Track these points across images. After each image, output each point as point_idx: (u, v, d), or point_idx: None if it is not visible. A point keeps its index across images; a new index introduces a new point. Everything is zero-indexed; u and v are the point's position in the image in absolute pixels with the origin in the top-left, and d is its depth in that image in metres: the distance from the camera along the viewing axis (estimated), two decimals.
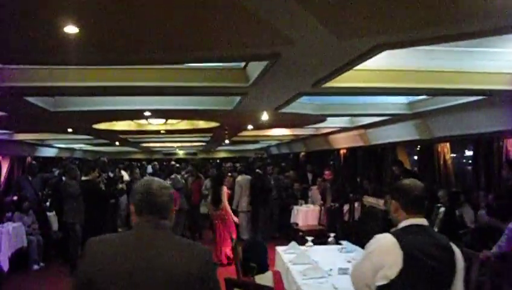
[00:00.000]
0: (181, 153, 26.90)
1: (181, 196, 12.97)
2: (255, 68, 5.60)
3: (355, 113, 9.57)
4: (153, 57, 4.71)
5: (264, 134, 14.53)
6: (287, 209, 13.90)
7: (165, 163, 24.04)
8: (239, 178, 13.48)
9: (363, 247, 3.41)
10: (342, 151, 16.48)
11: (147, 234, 2.41)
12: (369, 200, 11.72)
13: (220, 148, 24.88)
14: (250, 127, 11.81)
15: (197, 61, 5.56)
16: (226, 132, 13.31)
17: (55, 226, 11.43)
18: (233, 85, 6.24)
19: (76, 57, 4.51)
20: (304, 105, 8.09)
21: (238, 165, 16.63)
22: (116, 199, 11.86)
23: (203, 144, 20.25)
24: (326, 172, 12.76)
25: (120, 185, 10.76)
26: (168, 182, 12.18)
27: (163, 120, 11.23)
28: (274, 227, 14.25)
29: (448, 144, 11.35)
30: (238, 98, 7.37)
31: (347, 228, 11.52)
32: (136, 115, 9.59)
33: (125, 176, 14.24)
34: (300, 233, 12.64)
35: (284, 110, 8.00)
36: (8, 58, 4.71)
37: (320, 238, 12.55)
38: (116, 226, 11.69)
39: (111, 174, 12.20)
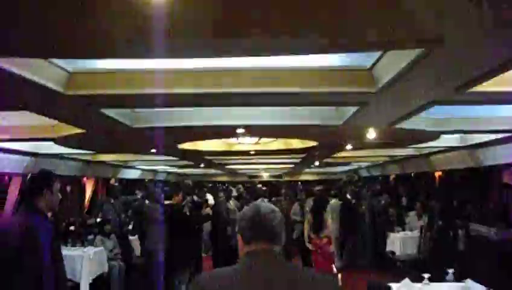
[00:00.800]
0: (265, 176, 26.13)
1: None
2: (388, 67, 4.42)
3: (478, 130, 7.96)
4: (261, 43, 3.57)
5: (357, 155, 13.44)
6: (381, 236, 12.87)
7: (249, 185, 23.48)
8: (331, 202, 12.60)
9: None
10: (437, 174, 15.27)
11: (264, 265, 2.18)
12: (478, 228, 10.50)
13: (306, 170, 23.99)
14: (348, 147, 10.67)
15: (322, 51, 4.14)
16: (318, 153, 12.37)
17: (137, 251, 10.96)
18: (354, 90, 4.99)
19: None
20: (419, 120, 6.77)
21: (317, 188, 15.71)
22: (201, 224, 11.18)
23: (292, 166, 19.34)
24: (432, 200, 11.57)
25: (206, 210, 9.96)
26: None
27: (256, 139, 10.33)
28: (367, 256, 13.27)
29: None
30: (352, 110, 6.13)
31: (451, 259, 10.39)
32: (228, 132, 8.41)
33: (210, 199, 13.67)
34: (398, 263, 11.61)
35: (398, 125, 6.90)
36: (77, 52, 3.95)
37: (420, 270, 11.51)
38: (200, 254, 11.04)
39: (195, 198, 11.61)
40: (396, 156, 13.81)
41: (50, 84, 4.40)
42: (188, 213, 9.22)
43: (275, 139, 10.46)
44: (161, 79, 4.72)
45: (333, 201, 12.84)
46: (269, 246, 2.23)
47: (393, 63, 4.25)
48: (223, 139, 10.62)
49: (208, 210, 9.76)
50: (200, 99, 5.32)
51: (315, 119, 6.75)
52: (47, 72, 4.33)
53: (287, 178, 26.36)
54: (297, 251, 12.06)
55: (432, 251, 10.77)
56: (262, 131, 8.62)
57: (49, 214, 4.32)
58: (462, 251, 10.81)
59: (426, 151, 11.89)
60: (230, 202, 12.42)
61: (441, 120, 7.00)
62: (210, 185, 21.84)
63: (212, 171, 22.82)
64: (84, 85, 4.62)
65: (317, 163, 16.68)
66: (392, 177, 19.78)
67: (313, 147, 10.39)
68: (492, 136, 8.42)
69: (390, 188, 18.82)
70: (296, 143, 10.52)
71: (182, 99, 5.43)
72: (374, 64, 4.67)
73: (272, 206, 2.39)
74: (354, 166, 20.73)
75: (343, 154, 12.54)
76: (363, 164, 19.35)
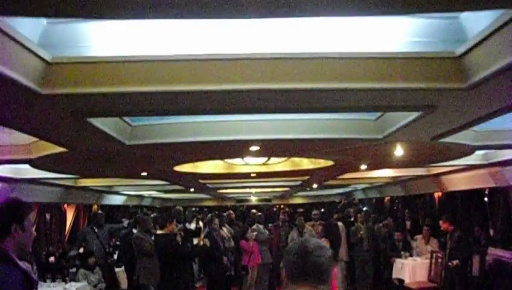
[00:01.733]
0: (254, 200, 25.00)
1: (265, 249, 11.87)
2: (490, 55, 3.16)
3: None
4: None
5: (363, 176, 12.44)
6: (386, 262, 12.00)
7: (242, 210, 22.50)
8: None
9: None
10: (436, 195, 14.46)
11: None
12: (496, 252, 9.65)
13: (298, 193, 22.97)
14: (363, 167, 9.36)
15: None
16: (327, 174, 11.31)
17: (124, 284, 10.00)
18: (425, 86, 3.57)
19: None
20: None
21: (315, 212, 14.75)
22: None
23: (287, 189, 18.28)
24: (444, 219, 10.57)
25: (203, 240, 8.96)
26: (253, 234, 10.64)
27: (263, 159, 9.19)
28: (367, 283, 12.46)
29: None
30: (403, 119, 4.75)
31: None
32: (239, 148, 6.66)
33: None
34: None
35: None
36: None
37: None
38: (193, 284, 10.10)
39: (188, 226, 10.68)
40: (399, 177, 12.86)
41: (20, 79, 3.02)
42: (180, 243, 8.24)
43: (286, 158, 9.35)
44: (179, 69, 3.41)
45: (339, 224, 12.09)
46: (313, 285, 2.15)
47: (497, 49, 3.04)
48: (226, 160, 9.42)
49: (206, 241, 8.78)
50: (209, 99, 3.85)
51: (350, 131, 5.43)
52: (16, 60, 2.94)
53: (275, 202, 25.35)
54: None
55: (446, 278, 9.90)
56: (281, 147, 6.95)
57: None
58: (477, 277, 9.99)
59: (435, 171, 11.05)
60: (224, 229, 11.56)
61: (482, 133, 6.01)
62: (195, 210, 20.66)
63: (201, 195, 21.68)
64: (67, 81, 3.27)
65: (315, 186, 15.68)
66: (387, 199, 18.93)
67: (327, 167, 9.06)
68: None
69: (384, 211, 18.00)
70: (306, 164, 9.46)
71: (182, 101, 3.96)
72: (466, 52, 3.34)
73: (321, 241, 2.34)
74: (350, 188, 19.78)
75: (349, 175, 11.56)
76: (360, 186, 18.38)
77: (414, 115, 4.45)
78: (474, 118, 4.67)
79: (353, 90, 3.57)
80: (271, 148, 6.88)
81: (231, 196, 22.72)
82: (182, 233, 8.76)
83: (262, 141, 5.75)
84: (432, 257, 10.88)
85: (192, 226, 12.06)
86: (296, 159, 9.38)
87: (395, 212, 16.51)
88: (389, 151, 6.58)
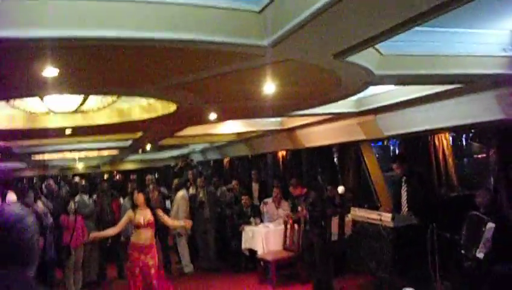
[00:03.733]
0: (80, 168, 22.31)
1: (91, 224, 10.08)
2: None
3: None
4: None
5: (201, 133, 10.66)
6: (234, 231, 10.67)
7: (62, 179, 19.73)
8: (179, 194, 10.73)
9: None
10: (280, 154, 13.44)
11: None
12: (360, 213, 8.60)
13: (126, 158, 20.75)
14: (212, 116, 7.39)
15: None
16: (162, 130, 9.32)
17: None
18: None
19: None
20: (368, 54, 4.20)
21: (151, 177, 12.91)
22: None
23: (116, 153, 16.00)
24: (294, 185, 8.73)
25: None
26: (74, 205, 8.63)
27: (73, 103, 6.28)
28: (212, 255, 11.31)
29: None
30: None
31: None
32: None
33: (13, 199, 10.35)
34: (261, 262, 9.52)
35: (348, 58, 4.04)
36: None
37: (289, 269, 9.57)
38: None
39: None
40: (250, 132, 11.24)
41: None
42: None
43: (109, 103, 6.73)
44: None
45: (180, 193, 10.78)
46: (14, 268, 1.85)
47: None
48: (24, 108, 6.51)
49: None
50: None
51: (218, 30, 3.48)
52: None
53: (105, 169, 22.85)
54: None
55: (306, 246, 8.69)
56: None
57: None
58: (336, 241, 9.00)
59: (292, 124, 9.66)
60: (39, 202, 9.55)
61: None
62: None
63: (13, 164, 18.51)
64: None
65: (148, 147, 13.63)
66: (226, 161, 17.61)
67: (166, 116, 7.01)
68: None
69: (232, 174, 16.60)
70: (139, 112, 7.26)
71: None
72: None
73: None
74: (185, 150, 18.09)
75: (190, 131, 9.74)
76: (198, 147, 16.68)
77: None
78: None
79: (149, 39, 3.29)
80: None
81: (52, 163, 19.91)
82: None
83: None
84: (286, 223, 9.71)
85: None
86: (124, 107, 7.26)
87: (237, 176, 15.14)
88: (263, 80, 4.91)
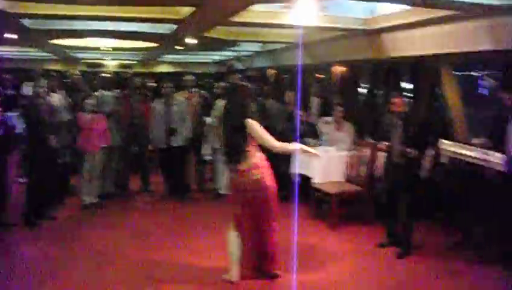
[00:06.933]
0: (111, 66, 20.57)
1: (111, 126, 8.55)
2: None
3: None
4: None
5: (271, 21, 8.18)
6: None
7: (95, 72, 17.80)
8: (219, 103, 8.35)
9: None
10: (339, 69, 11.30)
11: None
12: (453, 149, 6.60)
13: (161, 59, 18.88)
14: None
15: None
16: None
17: None
18: None
19: None
20: None
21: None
22: None
23: (153, 45, 13.41)
24: (396, 99, 6.84)
25: None
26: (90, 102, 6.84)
27: None
28: None
29: None
30: None
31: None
32: None
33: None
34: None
35: None
36: None
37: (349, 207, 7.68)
38: None
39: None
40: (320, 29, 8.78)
41: None
42: None
43: None
44: None
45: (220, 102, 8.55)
46: None
47: None
48: None
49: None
50: None
51: None
52: None
53: (137, 69, 21.03)
54: None
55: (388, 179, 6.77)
56: None
57: None
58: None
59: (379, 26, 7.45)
60: (54, 95, 7.99)
61: None
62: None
63: (41, 54, 16.80)
64: None
65: (190, 41, 11.11)
66: (273, 72, 15.48)
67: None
68: None
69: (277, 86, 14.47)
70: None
71: None
72: None
73: None
74: (230, 53, 15.87)
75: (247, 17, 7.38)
76: (251, 47, 14.10)
77: None
78: None
79: None
80: None
81: (80, 55, 18.13)
82: None
83: None
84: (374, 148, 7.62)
85: None
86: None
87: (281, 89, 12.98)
88: None
